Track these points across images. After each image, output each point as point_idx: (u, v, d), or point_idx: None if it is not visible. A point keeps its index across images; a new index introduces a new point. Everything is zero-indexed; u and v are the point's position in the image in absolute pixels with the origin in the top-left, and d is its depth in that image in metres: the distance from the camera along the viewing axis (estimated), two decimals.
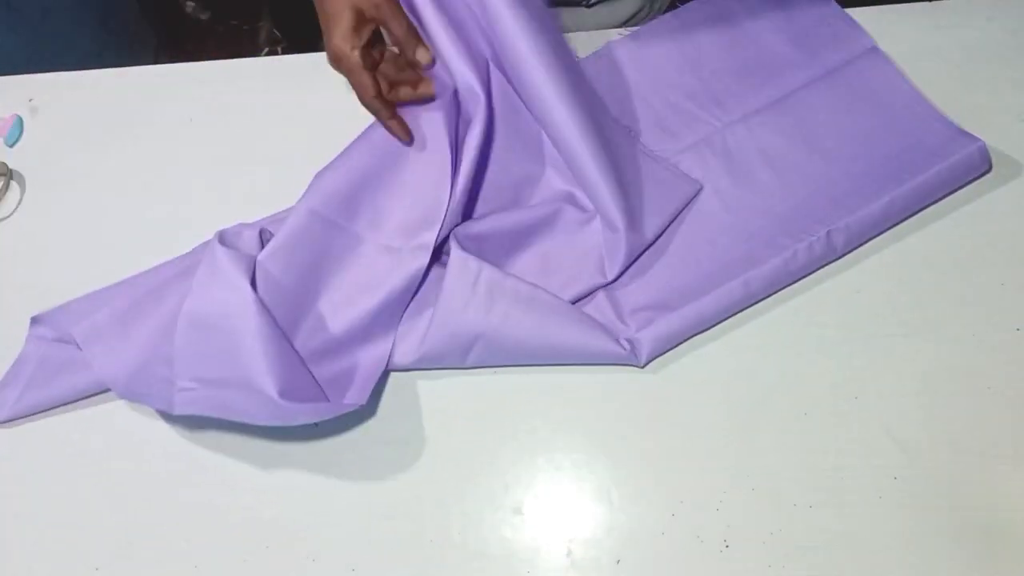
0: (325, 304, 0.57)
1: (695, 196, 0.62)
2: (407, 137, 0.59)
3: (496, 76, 0.61)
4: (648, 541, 0.51)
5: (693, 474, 0.52)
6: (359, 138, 0.60)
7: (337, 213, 0.58)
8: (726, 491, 0.52)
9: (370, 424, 0.57)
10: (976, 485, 0.50)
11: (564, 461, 0.54)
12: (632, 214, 0.58)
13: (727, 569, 0.49)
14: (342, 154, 0.60)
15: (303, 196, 0.59)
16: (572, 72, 0.59)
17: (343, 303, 0.57)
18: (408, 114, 0.60)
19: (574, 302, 0.58)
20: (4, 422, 0.59)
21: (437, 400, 0.57)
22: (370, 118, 0.59)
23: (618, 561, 0.50)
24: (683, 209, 0.61)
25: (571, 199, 0.61)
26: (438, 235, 0.57)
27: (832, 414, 0.53)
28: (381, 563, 0.52)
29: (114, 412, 0.59)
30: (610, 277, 0.58)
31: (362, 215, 0.59)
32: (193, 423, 0.58)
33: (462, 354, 0.56)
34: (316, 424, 0.57)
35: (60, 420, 0.59)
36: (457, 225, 0.59)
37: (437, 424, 0.56)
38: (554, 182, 0.63)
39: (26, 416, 0.59)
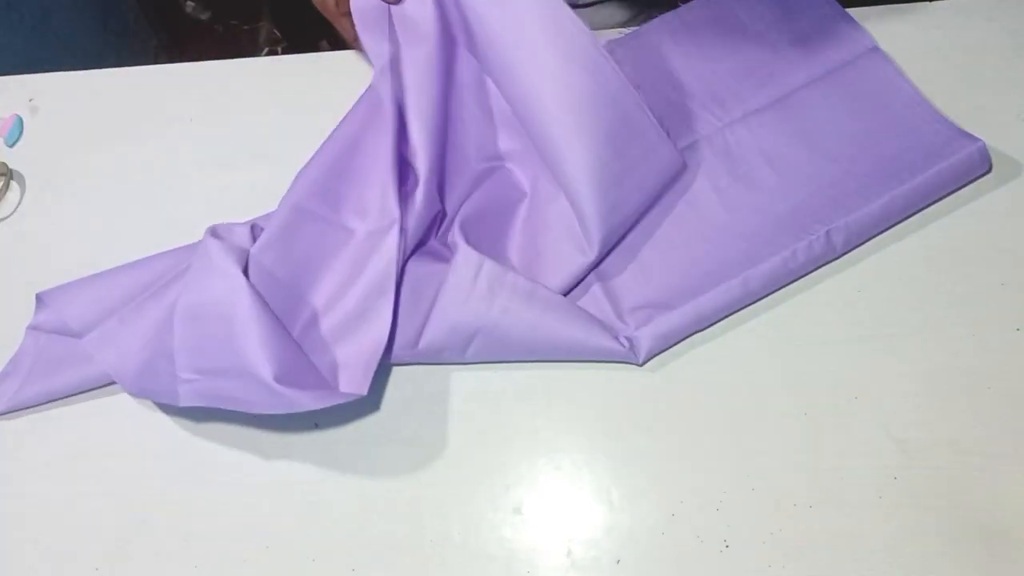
0: (319, 297, 0.58)
1: (680, 174, 0.62)
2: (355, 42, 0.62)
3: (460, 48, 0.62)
4: (648, 541, 0.51)
5: (693, 474, 0.52)
6: (333, 132, 0.61)
7: (319, 205, 0.59)
8: (726, 491, 0.52)
9: (370, 424, 0.57)
10: (976, 485, 0.50)
11: (564, 461, 0.54)
12: (605, 191, 0.58)
13: (727, 569, 0.49)
14: (318, 150, 0.61)
15: (286, 193, 0.59)
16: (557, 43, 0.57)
17: (336, 295, 0.58)
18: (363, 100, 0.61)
19: (566, 292, 0.58)
20: (4, 413, 0.59)
21: (437, 400, 0.57)
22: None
23: (618, 561, 0.50)
24: (668, 186, 0.61)
25: (542, 174, 0.62)
26: (408, 209, 0.58)
27: (832, 414, 0.53)
28: (381, 563, 0.52)
29: (113, 411, 0.59)
30: (591, 256, 0.58)
31: (344, 205, 0.60)
32: (193, 422, 0.58)
33: (462, 348, 0.56)
34: (316, 424, 0.57)
35: (58, 419, 0.59)
36: (437, 204, 0.59)
37: (437, 424, 0.56)
38: (525, 163, 0.64)
39: (26, 408, 0.59)
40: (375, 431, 0.56)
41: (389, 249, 0.57)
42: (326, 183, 0.60)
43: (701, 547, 0.50)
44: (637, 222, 0.61)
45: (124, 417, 0.59)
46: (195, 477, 0.56)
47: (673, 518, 0.51)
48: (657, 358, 0.56)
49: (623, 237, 0.60)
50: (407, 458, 0.55)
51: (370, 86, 0.61)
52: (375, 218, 0.59)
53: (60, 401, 0.60)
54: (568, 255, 0.59)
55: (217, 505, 0.55)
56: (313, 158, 0.60)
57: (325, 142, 0.61)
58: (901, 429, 0.53)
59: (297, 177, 0.60)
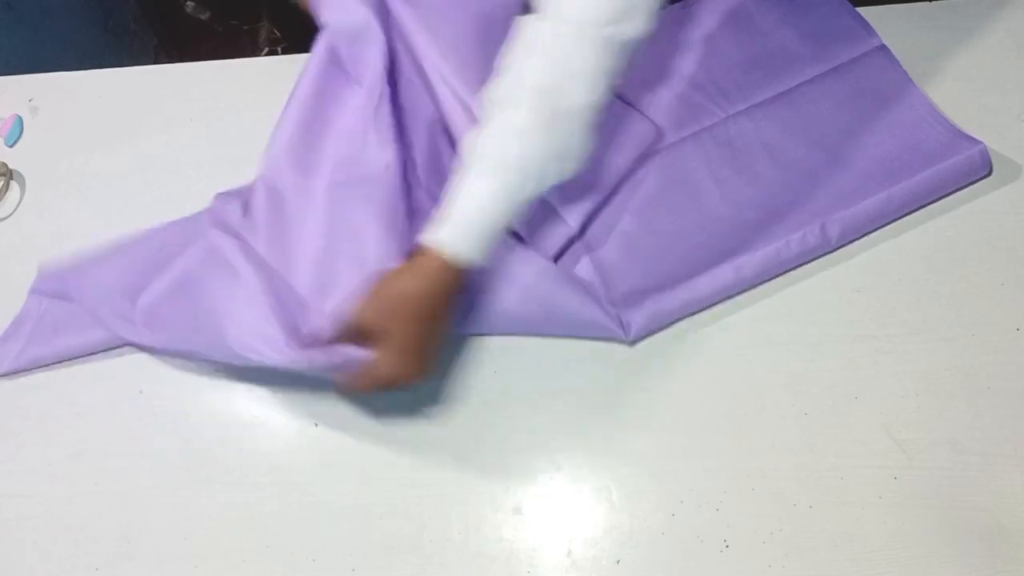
0: (302, 276, 0.58)
1: (653, 140, 0.62)
2: None
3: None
4: (648, 541, 0.51)
5: (693, 474, 0.52)
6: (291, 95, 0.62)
7: (292, 174, 0.59)
8: (726, 491, 0.52)
9: (370, 424, 0.57)
10: (976, 485, 0.50)
11: (564, 461, 0.54)
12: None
13: (727, 569, 0.49)
14: (284, 110, 0.61)
15: (262, 161, 0.60)
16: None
17: (310, 265, 0.57)
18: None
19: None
20: (5, 375, 0.60)
21: (436, 401, 0.57)
22: None
23: (618, 561, 0.50)
24: (640, 151, 0.62)
25: None
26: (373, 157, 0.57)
27: (832, 414, 0.53)
28: (381, 563, 0.52)
29: (113, 411, 0.59)
30: (573, 224, 0.59)
31: (316, 167, 0.60)
32: (193, 424, 0.58)
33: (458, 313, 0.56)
34: (316, 424, 0.57)
35: (58, 419, 0.59)
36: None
37: (437, 424, 0.56)
38: None
39: (26, 370, 0.60)
40: (375, 431, 0.56)
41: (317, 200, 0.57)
42: (298, 147, 0.60)
43: (701, 547, 0.50)
44: (616, 190, 0.61)
45: (123, 418, 0.59)
46: (195, 477, 0.56)
47: (673, 518, 0.51)
48: (658, 358, 0.56)
49: (617, 221, 0.60)
50: (407, 459, 0.55)
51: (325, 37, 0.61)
52: (335, 173, 0.59)
53: (60, 402, 0.60)
54: (551, 226, 0.59)
55: (217, 505, 0.55)
56: (282, 121, 0.61)
57: (290, 103, 0.61)
58: (901, 429, 0.53)
59: (270, 141, 0.60)
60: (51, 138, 0.74)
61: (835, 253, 0.59)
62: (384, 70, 0.59)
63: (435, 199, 0.55)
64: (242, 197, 0.61)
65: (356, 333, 0.51)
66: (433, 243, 0.49)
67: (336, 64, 0.61)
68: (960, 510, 0.50)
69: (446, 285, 0.50)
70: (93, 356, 0.61)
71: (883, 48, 0.65)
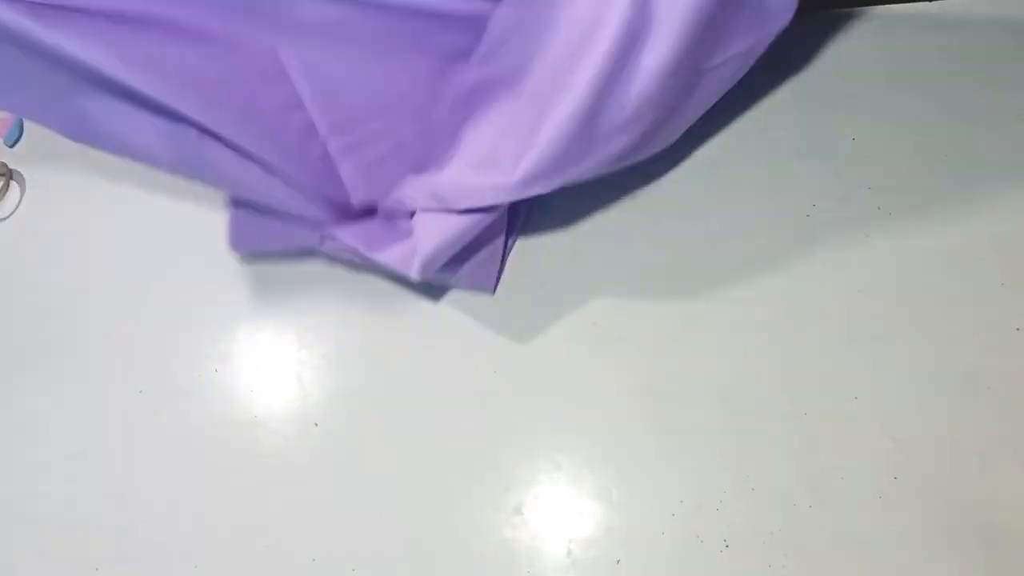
0: None
1: None
2: None
3: None
4: (648, 541, 0.51)
5: (693, 474, 0.52)
6: None
7: None
8: (726, 491, 0.52)
9: (369, 424, 0.57)
10: (976, 485, 0.50)
11: (564, 461, 0.54)
12: None
13: (727, 569, 0.49)
14: None
15: None
16: None
17: None
18: None
19: None
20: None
21: (435, 400, 0.57)
22: None
23: (618, 561, 0.50)
24: None
25: None
26: None
27: (832, 414, 0.53)
28: (381, 563, 0.52)
29: (113, 411, 0.59)
30: None
31: None
32: (193, 422, 0.58)
33: None
34: (316, 424, 0.57)
35: (58, 419, 0.59)
36: None
37: (437, 424, 0.56)
38: None
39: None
40: (375, 431, 0.56)
41: None
42: None
43: (701, 547, 0.50)
44: None
45: (124, 417, 0.59)
46: (195, 477, 0.56)
47: (673, 518, 0.51)
48: (658, 359, 0.56)
49: None
50: (407, 458, 0.55)
51: None
52: None
53: (60, 402, 0.60)
54: None
55: (217, 505, 0.55)
56: None
57: None
58: (901, 429, 0.53)
59: None
60: (51, 138, 0.74)
61: (834, 253, 0.59)
62: None
63: None
64: None
65: None
66: None
67: None
68: (960, 510, 0.50)
69: None
70: (92, 355, 0.61)
71: None
